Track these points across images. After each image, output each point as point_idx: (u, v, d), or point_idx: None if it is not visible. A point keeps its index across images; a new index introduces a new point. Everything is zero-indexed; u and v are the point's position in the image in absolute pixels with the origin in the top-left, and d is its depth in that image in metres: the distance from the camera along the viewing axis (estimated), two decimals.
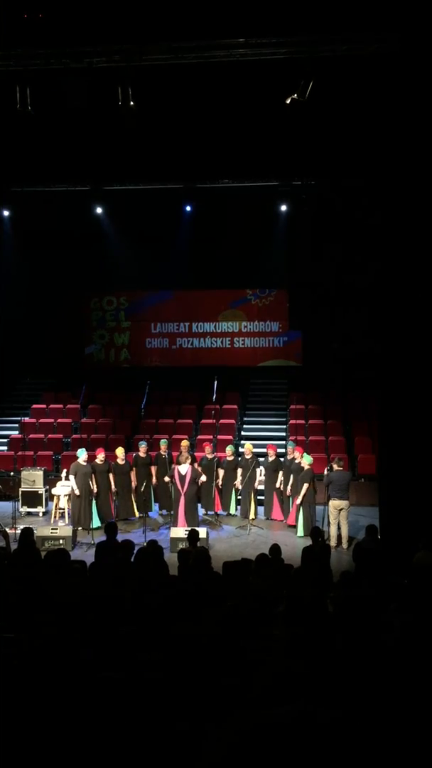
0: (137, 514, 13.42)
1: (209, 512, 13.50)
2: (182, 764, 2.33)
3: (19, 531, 9.13)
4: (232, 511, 13.73)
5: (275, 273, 18.05)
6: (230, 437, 16.00)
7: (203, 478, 12.93)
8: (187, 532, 9.73)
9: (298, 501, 12.41)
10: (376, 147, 10.65)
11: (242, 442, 15.81)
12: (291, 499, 12.99)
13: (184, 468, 12.56)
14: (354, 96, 10.77)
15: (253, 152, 12.32)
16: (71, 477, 12.78)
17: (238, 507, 13.72)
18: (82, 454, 12.93)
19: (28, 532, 8.89)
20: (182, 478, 12.48)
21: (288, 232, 16.77)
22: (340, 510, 11.86)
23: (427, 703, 2.81)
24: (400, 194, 9.95)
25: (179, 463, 12.71)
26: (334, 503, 11.89)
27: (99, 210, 16.35)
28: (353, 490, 13.58)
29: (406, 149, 9.70)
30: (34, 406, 17.88)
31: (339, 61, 9.96)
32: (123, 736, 2.55)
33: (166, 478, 13.05)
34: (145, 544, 9.07)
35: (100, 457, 13.17)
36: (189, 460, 12.77)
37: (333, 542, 11.74)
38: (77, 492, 12.64)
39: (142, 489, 13.30)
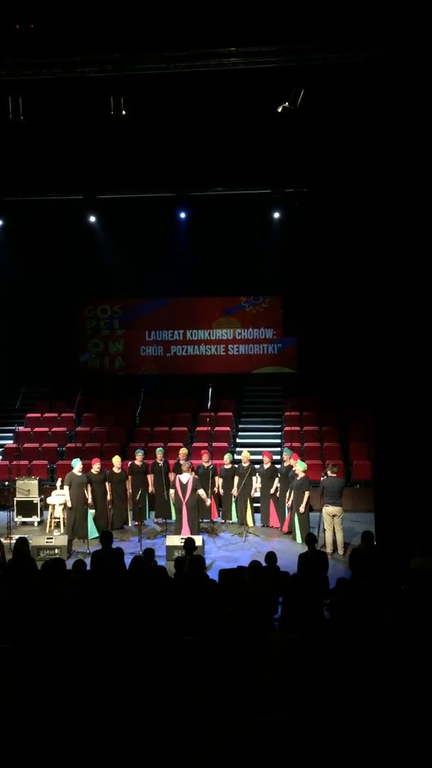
0: (131, 523, 13.39)
1: (205, 520, 13.47)
2: None
3: (14, 541, 9.10)
4: (234, 519, 13.67)
5: (269, 280, 18.07)
6: (225, 445, 15.99)
7: (201, 492, 12.88)
8: (183, 540, 9.71)
9: (300, 510, 12.31)
10: (368, 154, 10.71)
11: (238, 449, 15.79)
12: (287, 506, 12.97)
13: (186, 477, 12.55)
14: (346, 103, 10.83)
15: (246, 160, 12.36)
16: (65, 488, 12.72)
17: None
18: (76, 465, 12.88)
19: (23, 542, 8.86)
20: (183, 487, 12.48)
21: (281, 239, 16.79)
22: (333, 516, 11.86)
23: (422, 707, 2.80)
24: (392, 200, 10.00)
25: (180, 473, 12.69)
26: (327, 510, 11.88)
27: (92, 218, 16.36)
28: (349, 496, 13.58)
29: (398, 156, 9.75)
30: (29, 415, 17.85)
31: (330, 70, 10.01)
32: (117, 745, 2.54)
33: (171, 491, 12.96)
34: (141, 552, 9.06)
35: (96, 466, 13.12)
36: (190, 469, 12.77)
37: (329, 549, 11.74)
38: (69, 504, 12.58)
39: (137, 497, 13.27)
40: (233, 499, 13.60)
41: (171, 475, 13.42)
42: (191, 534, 11.87)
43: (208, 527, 13.22)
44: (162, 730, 2.47)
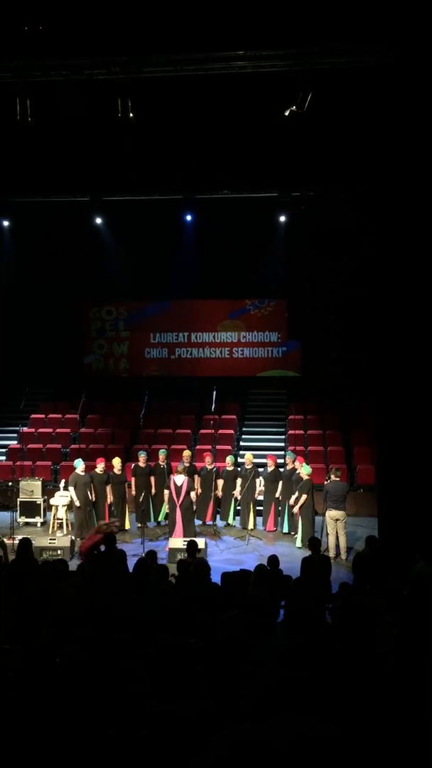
0: (128, 525, 13.40)
1: (207, 522, 13.47)
2: None
3: (17, 541, 9.10)
4: (231, 521, 13.71)
5: (274, 283, 18.08)
6: (229, 447, 15.99)
7: (196, 492, 12.94)
8: (185, 543, 9.71)
9: (294, 510, 12.38)
10: (373, 158, 10.70)
11: (242, 452, 15.79)
12: (287, 509, 12.99)
13: (180, 479, 12.56)
14: (352, 107, 10.83)
15: (253, 163, 12.39)
16: (71, 488, 12.74)
17: (237, 517, 13.70)
18: (79, 465, 12.90)
19: (26, 543, 8.86)
20: (178, 489, 12.49)
21: (287, 242, 16.83)
22: (337, 520, 11.84)
23: (420, 714, 2.80)
24: (395, 205, 9.99)
25: (176, 474, 12.71)
26: (331, 513, 11.86)
27: (98, 220, 16.41)
28: (352, 500, 13.56)
29: (403, 161, 9.75)
30: (33, 415, 17.87)
31: (337, 73, 10.02)
32: (116, 749, 2.54)
33: (166, 491, 13.02)
34: (143, 555, 9.06)
35: (100, 466, 13.15)
36: (186, 471, 12.77)
37: (332, 553, 11.71)
38: (78, 503, 12.59)
39: (140, 499, 13.28)
40: (234, 502, 13.62)
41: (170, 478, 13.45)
42: (184, 536, 11.88)
43: (211, 530, 13.22)
44: (162, 734, 2.47)
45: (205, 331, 19.51)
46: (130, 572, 8.38)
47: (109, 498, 13.15)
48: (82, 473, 12.81)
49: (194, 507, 13.00)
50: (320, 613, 7.13)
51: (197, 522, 13.20)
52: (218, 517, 13.81)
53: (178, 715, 2.49)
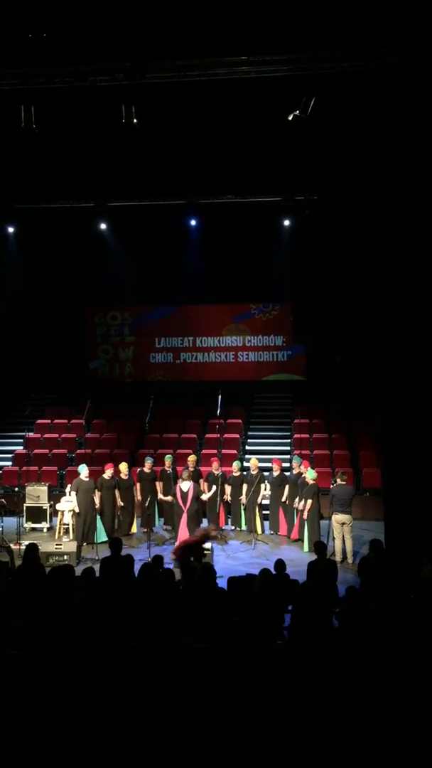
0: (135, 530, 13.39)
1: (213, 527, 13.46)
2: None
3: (23, 547, 9.11)
4: (243, 526, 13.66)
5: (279, 287, 18.10)
6: (235, 452, 15.99)
7: (205, 496, 12.95)
8: None
9: (304, 516, 12.37)
10: (377, 162, 10.71)
11: (247, 456, 15.79)
12: (296, 513, 12.96)
13: (186, 485, 12.55)
14: (356, 112, 10.83)
15: (256, 168, 12.38)
16: (73, 494, 12.75)
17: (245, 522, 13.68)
18: (83, 470, 12.90)
19: (32, 548, 8.88)
20: (184, 495, 12.48)
21: (291, 246, 16.82)
22: (343, 524, 11.81)
23: (428, 718, 2.79)
24: (400, 208, 9.99)
25: (182, 480, 12.71)
26: (337, 517, 11.84)
27: (103, 226, 16.44)
28: (358, 504, 13.53)
29: (407, 164, 9.76)
30: (39, 421, 17.90)
31: (340, 78, 10.03)
32: (124, 752, 2.54)
33: (169, 498, 13.00)
34: (149, 559, 9.06)
35: (108, 472, 13.15)
36: (191, 477, 12.76)
37: (338, 557, 11.69)
38: (77, 510, 12.60)
39: (146, 504, 13.27)
40: (242, 507, 13.60)
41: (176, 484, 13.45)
42: None
43: (217, 535, 13.20)
44: (170, 737, 2.47)
45: (209, 335, 19.54)
46: (136, 577, 8.37)
47: (119, 502, 13.14)
48: (86, 479, 12.81)
49: (205, 511, 13.00)
50: (327, 617, 7.12)
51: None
52: (230, 521, 13.80)
53: (184, 719, 2.49)
